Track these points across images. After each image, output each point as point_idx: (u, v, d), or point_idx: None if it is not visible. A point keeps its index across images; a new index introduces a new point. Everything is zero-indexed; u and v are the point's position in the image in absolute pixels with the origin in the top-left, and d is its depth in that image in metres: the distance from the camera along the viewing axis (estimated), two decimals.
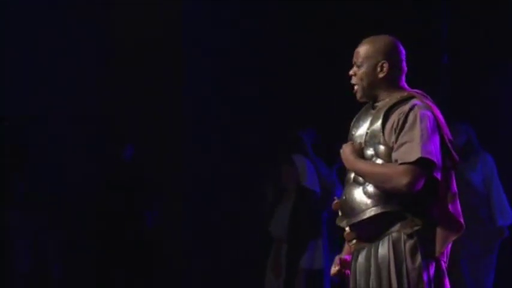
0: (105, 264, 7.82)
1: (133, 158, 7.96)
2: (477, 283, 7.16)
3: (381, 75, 4.16)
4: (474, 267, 7.14)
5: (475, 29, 8.07)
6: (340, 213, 4.25)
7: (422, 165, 3.94)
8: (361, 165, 4.10)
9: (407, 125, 4.01)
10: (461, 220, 4.09)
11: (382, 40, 4.23)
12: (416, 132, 3.98)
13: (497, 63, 8.12)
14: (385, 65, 4.15)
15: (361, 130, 4.22)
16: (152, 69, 8.39)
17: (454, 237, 4.08)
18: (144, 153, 8.04)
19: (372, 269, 4.07)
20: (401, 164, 3.96)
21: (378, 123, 4.10)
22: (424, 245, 4.00)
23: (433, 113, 4.09)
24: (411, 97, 4.13)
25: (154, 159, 8.18)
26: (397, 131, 4.03)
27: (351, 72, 4.25)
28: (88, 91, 8.31)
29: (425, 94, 4.21)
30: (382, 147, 4.07)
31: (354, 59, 4.23)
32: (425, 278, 3.97)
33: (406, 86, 4.23)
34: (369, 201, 4.07)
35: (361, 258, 4.12)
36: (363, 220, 4.07)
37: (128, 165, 7.96)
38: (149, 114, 8.38)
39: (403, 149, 3.99)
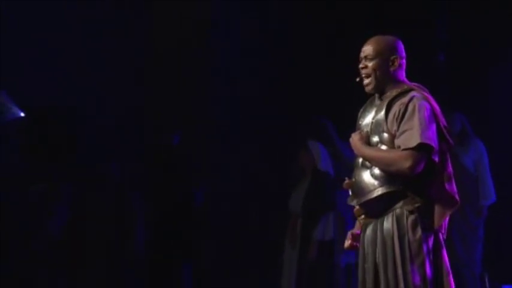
0: (163, 239, 7.72)
1: (180, 144, 7.90)
2: (467, 255, 7.16)
3: (391, 68, 4.21)
4: (464, 241, 7.13)
5: (470, 30, 7.94)
6: (350, 193, 4.31)
7: (422, 149, 4.01)
8: (368, 151, 4.17)
9: (407, 115, 4.07)
10: (456, 197, 4.15)
11: (390, 38, 4.28)
12: (416, 120, 4.04)
13: (487, 62, 8.02)
14: (397, 60, 4.21)
15: (367, 119, 4.28)
16: (185, 67, 8.33)
17: (450, 212, 4.13)
18: (186, 140, 7.97)
19: (378, 240, 4.14)
20: (404, 149, 4.02)
21: (382, 113, 4.17)
22: (424, 219, 4.08)
23: (429, 103, 4.14)
24: (410, 90, 4.18)
25: (193, 145, 8.13)
26: (398, 120, 4.09)
27: (361, 65, 4.27)
28: (131, 86, 8.25)
29: (422, 87, 4.25)
30: (385, 135, 4.14)
31: (365, 54, 4.25)
32: (424, 248, 4.05)
33: (406, 80, 4.27)
34: (375, 182, 4.14)
35: (369, 231, 4.19)
36: (371, 199, 4.15)
37: (176, 151, 7.89)
38: (185, 105, 8.32)
39: (404, 136, 4.05)
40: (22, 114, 7.52)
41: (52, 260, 7.39)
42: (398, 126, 4.10)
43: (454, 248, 6.89)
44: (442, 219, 4.12)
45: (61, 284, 7.47)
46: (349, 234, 4.40)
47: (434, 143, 4.05)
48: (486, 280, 7.31)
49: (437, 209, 4.11)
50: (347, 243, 4.39)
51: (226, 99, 8.50)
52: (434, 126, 4.09)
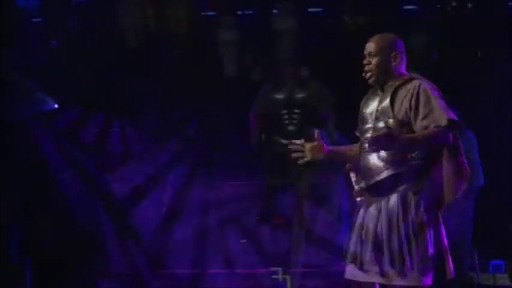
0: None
1: (197, 133, 8.03)
2: (459, 233, 7.18)
3: (394, 64, 4.31)
4: (456, 220, 7.11)
5: (466, 28, 8.02)
6: (355, 176, 4.39)
7: (450, 124, 4.10)
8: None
9: (423, 100, 4.15)
10: (467, 167, 4.18)
11: (392, 36, 4.38)
12: (433, 102, 4.13)
13: (476, 59, 8.15)
14: (398, 56, 4.32)
15: (371, 108, 4.35)
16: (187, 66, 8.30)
17: (465, 183, 4.16)
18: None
19: (383, 218, 4.18)
20: (435, 126, 4.08)
21: (387, 101, 4.25)
22: (426, 200, 4.15)
23: (432, 85, 4.24)
24: (412, 78, 4.27)
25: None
26: (413, 107, 4.16)
27: (365, 61, 4.33)
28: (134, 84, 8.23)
29: (420, 76, 4.32)
30: (391, 120, 4.21)
31: (368, 50, 4.33)
32: (426, 226, 4.13)
33: (405, 72, 4.36)
34: (381, 165, 4.20)
35: (373, 209, 4.24)
36: (379, 180, 4.21)
37: (193, 139, 8.03)
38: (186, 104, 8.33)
39: (431, 117, 4.09)
40: (56, 106, 7.61)
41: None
42: (416, 113, 4.15)
43: (447, 226, 7.02)
44: (457, 192, 4.18)
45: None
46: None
47: (455, 116, 4.13)
48: (475, 256, 7.43)
49: (448, 185, 4.14)
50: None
51: (227, 98, 8.48)
52: (444, 102, 4.18)
